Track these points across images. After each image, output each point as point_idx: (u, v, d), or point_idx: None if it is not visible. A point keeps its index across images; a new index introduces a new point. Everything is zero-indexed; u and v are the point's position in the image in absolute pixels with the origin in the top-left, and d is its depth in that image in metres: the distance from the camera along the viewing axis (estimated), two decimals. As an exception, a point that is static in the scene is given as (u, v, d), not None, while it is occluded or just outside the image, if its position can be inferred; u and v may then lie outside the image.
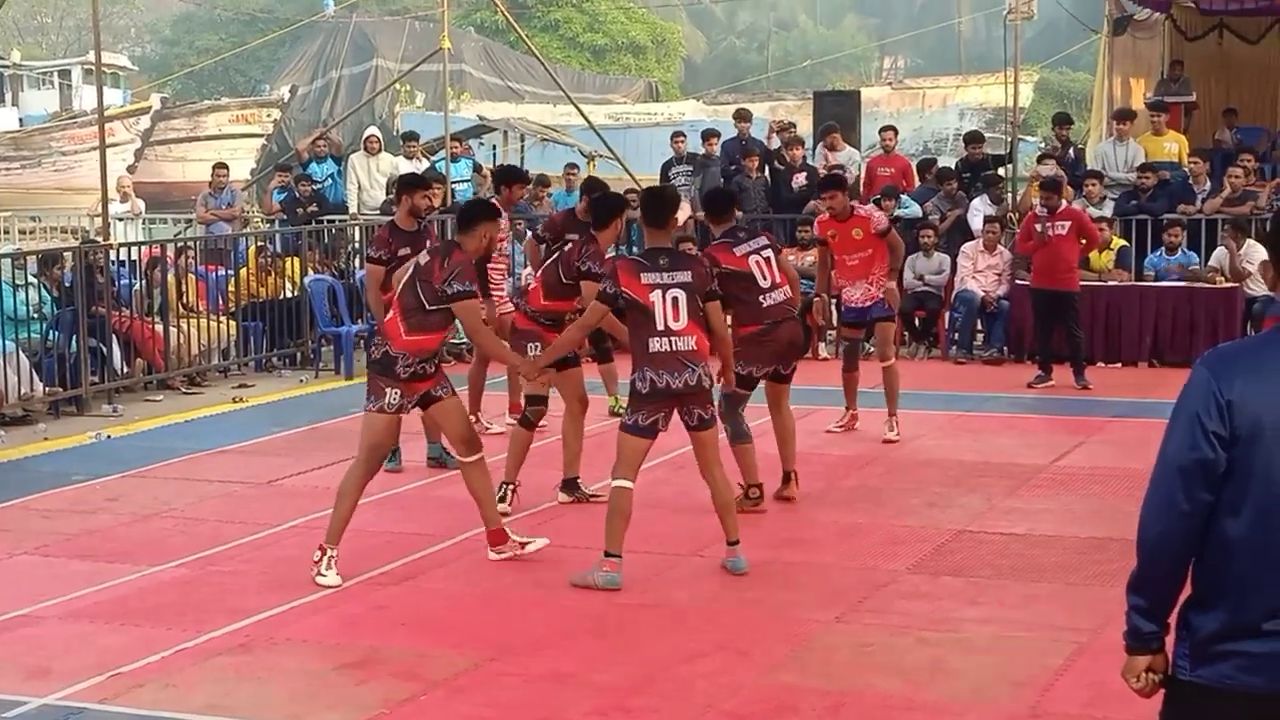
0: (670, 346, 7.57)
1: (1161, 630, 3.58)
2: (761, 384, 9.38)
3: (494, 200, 11.23)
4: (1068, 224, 13.64)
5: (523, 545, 8.18)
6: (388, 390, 7.78)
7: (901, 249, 11.76)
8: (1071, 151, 17.83)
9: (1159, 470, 3.49)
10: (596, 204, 9.52)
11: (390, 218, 10.93)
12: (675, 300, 7.59)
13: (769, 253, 9.21)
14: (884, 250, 11.30)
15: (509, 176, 12.17)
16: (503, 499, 8.93)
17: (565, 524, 9.00)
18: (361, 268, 14.06)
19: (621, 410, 11.38)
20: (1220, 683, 3.46)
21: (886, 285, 11.28)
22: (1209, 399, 3.43)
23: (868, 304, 11.33)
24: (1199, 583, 3.53)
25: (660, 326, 7.56)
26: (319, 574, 7.81)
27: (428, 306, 7.73)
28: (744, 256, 9.07)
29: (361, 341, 15.50)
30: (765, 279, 9.09)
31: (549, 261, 9.61)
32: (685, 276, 7.68)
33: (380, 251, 10.01)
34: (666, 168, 18.35)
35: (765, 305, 9.09)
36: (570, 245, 9.37)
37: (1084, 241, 13.95)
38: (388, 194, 17.53)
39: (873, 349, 12.00)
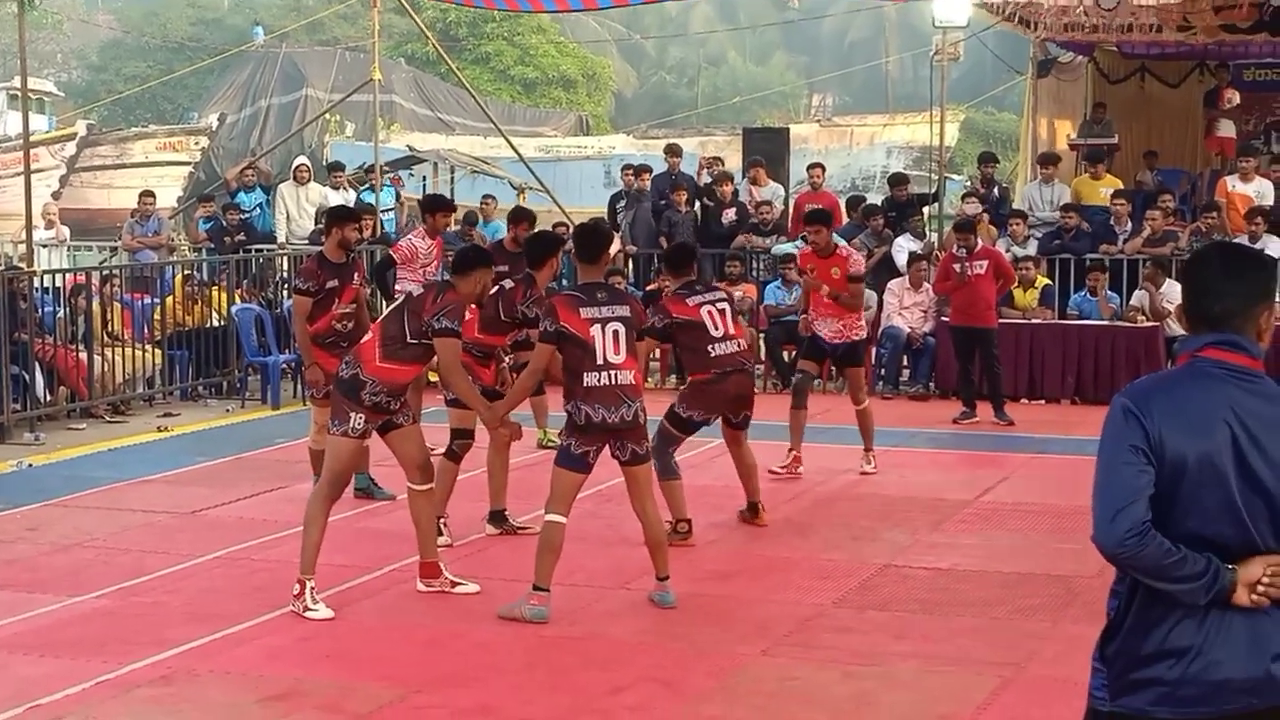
0: (610, 380, 7.56)
1: (1210, 561, 3.44)
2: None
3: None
4: (985, 263, 13.78)
5: (453, 585, 8.15)
6: (352, 415, 7.71)
7: (862, 300, 11.88)
8: (996, 190, 18.05)
9: (1101, 498, 3.49)
10: (531, 244, 9.54)
11: (319, 248, 10.88)
12: (616, 334, 7.61)
13: (724, 305, 9.40)
14: (860, 292, 11.53)
15: (434, 205, 12.17)
16: (440, 533, 8.88)
17: (493, 556, 8.99)
18: (289, 297, 13.99)
19: (551, 443, 11.41)
20: (1141, 712, 3.51)
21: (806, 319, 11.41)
22: (1136, 425, 3.49)
23: (835, 341, 11.44)
24: (1117, 612, 3.58)
25: (599, 360, 7.56)
26: (307, 608, 7.67)
27: (408, 338, 7.68)
28: (696, 306, 9.25)
29: (288, 371, 15.43)
30: (717, 329, 9.23)
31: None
32: (624, 311, 7.71)
33: (308, 283, 9.95)
34: (615, 199, 18.37)
35: (714, 355, 9.21)
36: (513, 284, 9.32)
37: (1000, 281, 14.10)
38: (316, 224, 17.46)
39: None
